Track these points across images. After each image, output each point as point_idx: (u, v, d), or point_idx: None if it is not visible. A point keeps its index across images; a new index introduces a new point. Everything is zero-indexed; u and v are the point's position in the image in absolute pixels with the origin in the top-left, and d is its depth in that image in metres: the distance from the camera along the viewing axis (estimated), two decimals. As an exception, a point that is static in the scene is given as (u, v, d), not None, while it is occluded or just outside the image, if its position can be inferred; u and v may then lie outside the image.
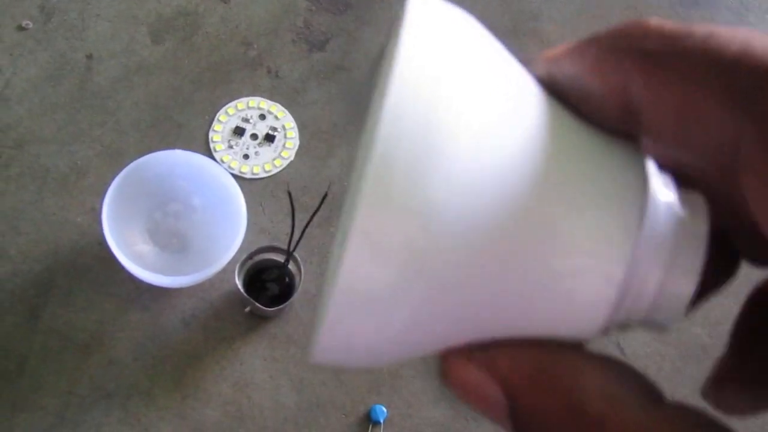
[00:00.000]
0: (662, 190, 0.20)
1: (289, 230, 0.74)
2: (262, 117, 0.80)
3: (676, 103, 0.19)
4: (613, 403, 0.18)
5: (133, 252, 0.69)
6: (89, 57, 0.82)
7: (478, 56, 0.19)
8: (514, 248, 0.18)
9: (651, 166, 0.20)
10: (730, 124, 0.18)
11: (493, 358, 0.20)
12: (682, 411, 0.18)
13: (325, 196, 0.65)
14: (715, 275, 0.22)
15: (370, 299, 0.18)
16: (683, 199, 0.20)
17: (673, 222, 0.19)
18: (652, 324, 0.20)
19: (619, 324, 0.20)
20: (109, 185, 0.68)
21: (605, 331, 0.20)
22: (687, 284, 0.19)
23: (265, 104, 0.81)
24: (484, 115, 0.18)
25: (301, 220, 0.69)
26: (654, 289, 0.19)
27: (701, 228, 0.19)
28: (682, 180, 0.20)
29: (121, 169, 0.69)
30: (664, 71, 0.19)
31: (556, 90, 0.20)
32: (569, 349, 0.19)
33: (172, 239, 0.73)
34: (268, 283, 0.73)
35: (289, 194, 0.64)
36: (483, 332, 0.20)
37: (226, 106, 0.81)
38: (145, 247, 0.72)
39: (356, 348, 0.19)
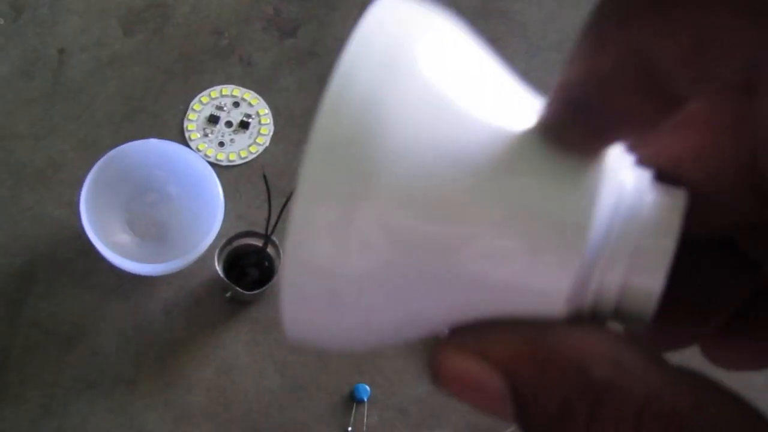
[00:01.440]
0: (628, 183, 0.19)
1: (267, 215, 0.74)
2: (236, 104, 0.81)
3: None
4: (618, 366, 0.18)
5: (112, 242, 0.70)
6: (61, 51, 0.82)
7: (442, 44, 0.20)
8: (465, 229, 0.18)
9: (626, 164, 0.20)
10: None
11: (487, 346, 0.20)
12: (686, 373, 0.18)
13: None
14: (729, 285, 0.22)
15: (317, 278, 0.18)
16: (663, 194, 0.19)
17: (636, 214, 0.19)
18: (627, 320, 0.20)
19: (590, 315, 0.20)
20: (86, 177, 0.69)
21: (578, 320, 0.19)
22: (652, 280, 0.19)
23: (239, 92, 0.81)
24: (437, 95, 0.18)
25: (278, 204, 0.70)
26: (617, 282, 0.19)
27: (673, 222, 0.19)
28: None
29: (96, 162, 0.69)
30: None
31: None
32: (563, 323, 0.19)
33: (150, 228, 0.74)
34: (247, 268, 0.73)
35: (265, 178, 0.65)
36: (449, 316, 0.21)
37: (200, 95, 0.81)
38: (124, 237, 0.73)
39: (319, 329, 0.20)
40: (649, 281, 0.19)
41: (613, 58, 0.17)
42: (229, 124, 0.80)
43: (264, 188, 0.77)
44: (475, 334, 0.20)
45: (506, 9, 0.89)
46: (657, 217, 0.19)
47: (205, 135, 0.79)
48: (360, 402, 0.72)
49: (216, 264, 0.70)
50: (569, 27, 0.89)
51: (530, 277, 0.19)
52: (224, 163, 0.78)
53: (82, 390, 0.70)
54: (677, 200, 0.19)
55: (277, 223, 0.68)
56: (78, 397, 0.70)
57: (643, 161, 0.20)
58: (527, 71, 0.84)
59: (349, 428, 0.71)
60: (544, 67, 0.87)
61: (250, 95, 0.81)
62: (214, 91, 0.81)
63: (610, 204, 0.19)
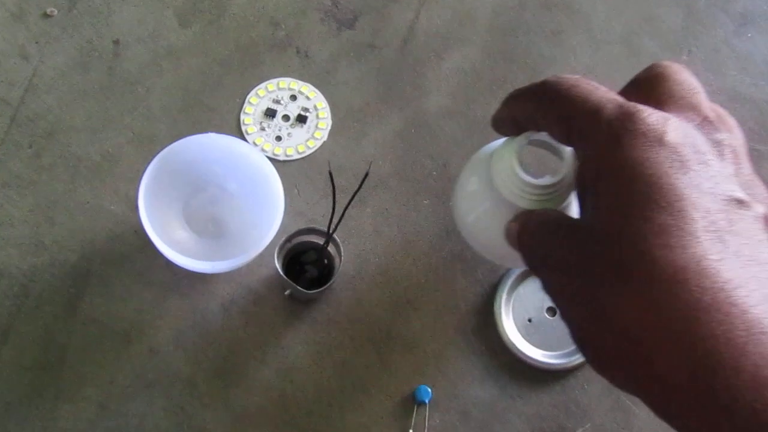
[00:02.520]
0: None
1: (325, 211, 0.73)
2: (293, 98, 0.79)
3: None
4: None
5: (170, 239, 0.68)
6: (116, 43, 0.81)
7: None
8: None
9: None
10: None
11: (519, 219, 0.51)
12: None
13: (366, 175, 0.63)
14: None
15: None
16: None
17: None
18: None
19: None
20: (142, 172, 0.67)
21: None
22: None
23: (296, 85, 0.80)
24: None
25: (336, 201, 0.68)
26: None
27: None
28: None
29: (153, 155, 0.68)
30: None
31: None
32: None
33: (208, 225, 0.72)
34: (307, 265, 0.72)
35: (330, 175, 0.63)
36: None
37: (257, 87, 0.79)
38: (182, 234, 0.71)
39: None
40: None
41: (506, 112, 0.52)
42: (286, 117, 0.78)
43: (322, 183, 0.76)
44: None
45: (570, 1, 0.86)
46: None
47: (262, 129, 0.78)
48: (421, 404, 0.70)
49: (276, 261, 0.69)
50: (634, 20, 0.86)
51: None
52: (281, 158, 0.77)
53: (139, 389, 0.69)
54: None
55: (340, 221, 0.67)
56: (135, 395, 0.69)
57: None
58: (591, 65, 0.82)
59: (410, 431, 0.69)
60: (608, 60, 0.84)
61: (307, 88, 0.80)
62: (271, 84, 0.80)
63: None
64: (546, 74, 0.82)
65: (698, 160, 0.41)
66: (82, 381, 0.69)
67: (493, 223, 0.68)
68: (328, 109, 0.79)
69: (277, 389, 0.70)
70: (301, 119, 0.78)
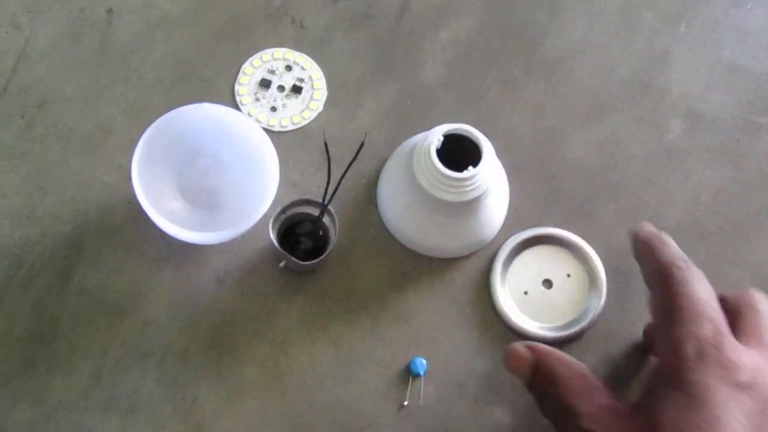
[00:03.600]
0: None
1: (320, 183, 0.72)
2: (288, 68, 0.78)
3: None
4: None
5: (164, 209, 0.68)
6: (109, 12, 0.80)
7: None
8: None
9: None
10: None
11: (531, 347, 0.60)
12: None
13: (362, 145, 0.63)
14: None
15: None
16: None
17: None
18: None
19: None
20: (136, 142, 0.67)
21: None
22: None
23: (291, 55, 0.79)
24: None
25: (333, 171, 0.68)
26: None
27: None
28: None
29: (146, 126, 0.67)
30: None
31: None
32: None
33: (202, 195, 0.72)
34: (301, 237, 0.71)
35: (326, 145, 0.62)
36: None
37: (251, 58, 0.79)
38: (176, 204, 0.71)
39: None
40: None
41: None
42: (281, 88, 0.78)
43: (317, 154, 0.75)
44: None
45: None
46: None
47: (257, 100, 0.77)
48: (416, 376, 0.70)
49: (270, 232, 0.68)
50: (632, -10, 0.86)
51: None
52: (276, 129, 0.76)
53: (133, 360, 0.69)
54: None
55: (335, 192, 0.66)
56: (129, 367, 0.69)
57: None
58: (589, 37, 0.81)
59: (405, 402, 0.69)
60: (606, 32, 0.84)
61: (302, 59, 0.79)
62: (266, 54, 0.79)
63: None
64: (543, 46, 0.81)
65: (763, 411, 0.49)
66: (75, 352, 0.69)
67: (414, 215, 0.70)
68: (323, 79, 0.78)
69: (271, 361, 0.70)
70: (296, 90, 0.78)
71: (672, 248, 0.59)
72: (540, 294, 0.73)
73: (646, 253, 0.60)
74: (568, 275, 0.73)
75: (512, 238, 0.74)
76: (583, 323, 0.71)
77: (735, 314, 0.56)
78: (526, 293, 0.73)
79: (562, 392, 0.56)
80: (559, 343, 0.71)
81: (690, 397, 0.49)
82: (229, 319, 0.70)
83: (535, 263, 0.73)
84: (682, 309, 0.53)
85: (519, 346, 0.60)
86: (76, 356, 0.68)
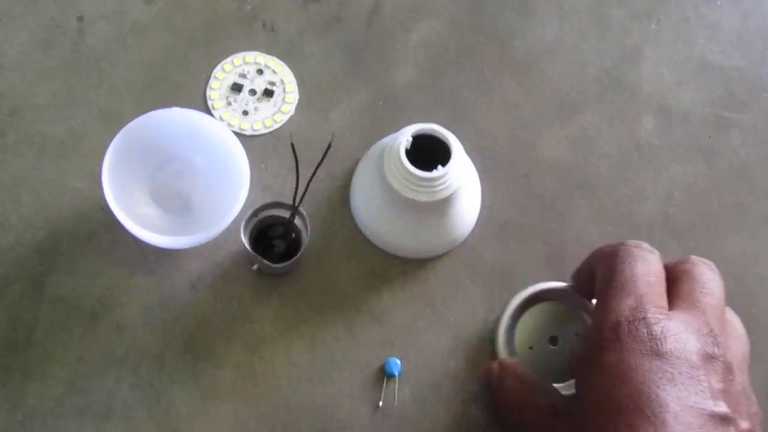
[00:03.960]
0: None
1: (292, 186, 0.72)
2: (260, 72, 0.79)
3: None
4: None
5: (136, 215, 0.68)
6: (80, 19, 0.80)
7: None
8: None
9: None
10: None
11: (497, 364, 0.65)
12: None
13: (329, 147, 0.63)
14: None
15: None
16: None
17: None
18: None
19: None
20: (108, 147, 0.67)
21: None
22: None
23: (262, 59, 0.79)
24: None
25: (305, 174, 0.68)
26: None
27: None
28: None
29: (118, 132, 0.67)
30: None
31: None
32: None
33: (174, 200, 0.72)
34: (274, 240, 0.71)
35: (293, 146, 0.63)
36: None
37: (223, 62, 0.79)
38: (148, 210, 0.71)
39: None
40: None
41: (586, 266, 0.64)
42: (252, 92, 0.78)
43: (290, 157, 0.75)
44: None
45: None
46: None
47: (229, 104, 0.77)
48: (391, 377, 0.70)
49: (242, 235, 0.68)
50: (602, -11, 0.86)
51: None
52: (248, 133, 0.76)
53: (107, 366, 0.69)
54: None
55: (304, 194, 0.66)
56: (103, 373, 0.69)
57: None
58: (560, 36, 0.81)
59: (380, 403, 0.69)
60: (577, 30, 0.84)
61: (274, 62, 0.79)
62: (237, 59, 0.79)
63: None
64: (514, 46, 0.81)
65: (689, 375, 0.47)
66: (50, 359, 0.69)
67: (387, 216, 0.71)
68: (295, 83, 0.79)
69: (246, 364, 0.70)
70: (268, 93, 0.78)
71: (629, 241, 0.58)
72: (546, 349, 0.69)
73: (601, 252, 0.59)
74: (577, 334, 0.68)
75: (519, 294, 0.70)
76: None
77: (672, 282, 0.55)
78: (531, 348, 0.69)
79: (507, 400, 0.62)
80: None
81: (610, 377, 0.48)
82: (203, 324, 0.70)
83: (548, 321, 0.69)
84: (611, 287, 0.53)
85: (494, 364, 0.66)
86: (51, 363, 0.69)
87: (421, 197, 0.67)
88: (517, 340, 0.69)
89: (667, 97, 0.82)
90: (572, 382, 0.65)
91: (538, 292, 0.70)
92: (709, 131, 0.81)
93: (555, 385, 0.65)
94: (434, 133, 0.67)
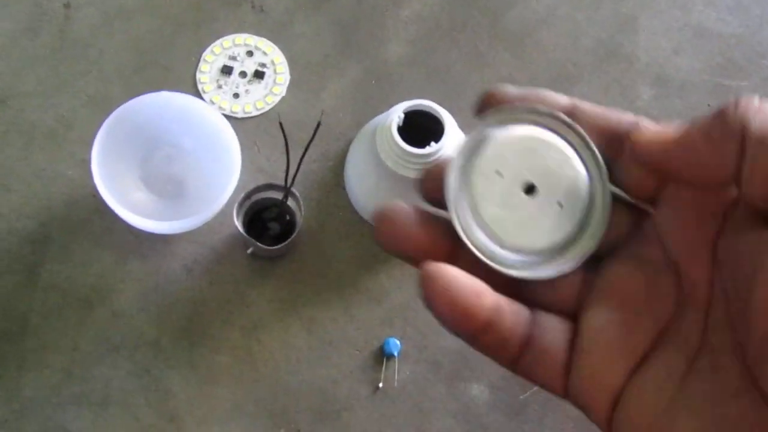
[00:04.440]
0: None
1: (285, 167, 0.72)
2: (250, 54, 0.78)
3: None
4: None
5: (127, 201, 0.67)
6: (66, 5, 0.79)
7: None
8: None
9: None
10: None
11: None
12: None
13: (318, 126, 0.62)
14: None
15: None
16: None
17: None
18: None
19: None
20: (96, 134, 0.66)
21: None
22: None
23: (252, 40, 0.78)
24: None
25: (296, 155, 0.67)
26: None
27: None
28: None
29: (107, 118, 0.67)
30: None
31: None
32: None
33: (166, 185, 0.71)
34: (269, 222, 0.71)
35: (281, 126, 0.62)
36: None
37: (212, 45, 0.78)
38: (140, 195, 0.70)
39: None
40: None
41: None
42: (243, 74, 0.77)
43: (282, 138, 0.74)
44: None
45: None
46: None
47: (219, 87, 0.76)
48: (390, 357, 0.69)
49: (235, 219, 0.68)
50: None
51: None
52: (240, 115, 0.75)
53: (103, 353, 0.68)
54: None
55: (296, 174, 0.65)
56: (100, 360, 0.68)
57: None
58: (553, 7, 0.79)
59: (380, 384, 0.69)
60: (571, 1, 0.83)
61: (264, 43, 0.78)
62: (227, 41, 0.78)
63: None
64: (507, 18, 0.80)
65: None
66: (46, 348, 0.68)
67: (382, 194, 0.70)
68: (285, 63, 0.78)
69: (243, 348, 0.69)
70: (259, 75, 0.77)
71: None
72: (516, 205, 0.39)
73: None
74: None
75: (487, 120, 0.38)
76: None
77: None
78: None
79: None
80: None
81: None
82: (199, 308, 0.70)
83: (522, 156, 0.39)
84: None
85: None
86: (47, 352, 0.68)
87: (416, 174, 0.66)
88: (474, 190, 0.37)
89: (664, 66, 0.81)
90: (550, 266, 0.33)
91: (517, 109, 0.36)
92: (707, 99, 0.79)
93: (520, 270, 0.33)
94: (427, 110, 0.66)
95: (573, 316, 0.30)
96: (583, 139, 0.32)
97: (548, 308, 0.30)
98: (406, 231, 0.30)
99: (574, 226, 0.32)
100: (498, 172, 0.33)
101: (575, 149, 0.32)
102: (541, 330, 0.29)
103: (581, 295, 0.30)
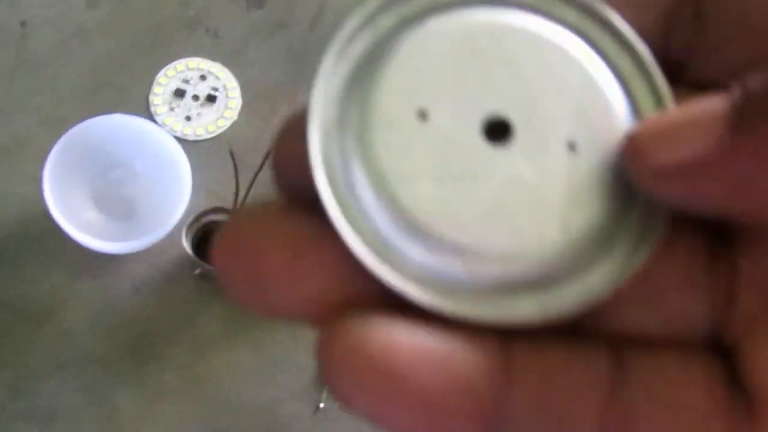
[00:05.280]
0: None
1: (235, 190, 0.73)
2: (203, 78, 0.80)
3: None
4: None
5: (79, 220, 0.69)
6: (23, 24, 0.80)
7: None
8: None
9: None
10: None
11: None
12: None
13: (267, 154, 0.64)
14: None
15: None
16: None
17: None
18: None
19: None
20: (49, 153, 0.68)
21: None
22: None
23: (206, 65, 0.80)
24: None
25: (246, 179, 0.69)
26: None
27: None
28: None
29: (60, 138, 0.68)
30: None
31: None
32: None
33: (117, 205, 0.73)
34: (217, 244, 0.72)
35: (231, 153, 0.64)
36: None
37: (166, 68, 0.79)
38: (91, 215, 0.71)
39: None
40: None
41: None
42: (195, 97, 0.79)
43: (233, 163, 0.76)
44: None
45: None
46: None
47: (171, 109, 0.78)
48: (333, 377, 0.71)
49: (183, 241, 0.69)
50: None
51: None
52: (191, 138, 0.77)
53: (52, 370, 0.70)
54: None
55: (245, 198, 0.67)
56: (48, 377, 0.69)
57: None
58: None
59: (321, 404, 0.71)
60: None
61: (216, 68, 0.80)
62: (180, 64, 0.80)
63: None
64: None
65: None
66: (-6, 364, 0.69)
67: None
68: (238, 88, 0.80)
69: (190, 367, 0.71)
70: (211, 99, 0.79)
71: None
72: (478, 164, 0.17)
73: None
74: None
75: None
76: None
77: None
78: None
79: None
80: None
81: None
82: (147, 327, 0.71)
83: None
84: None
85: None
86: (-5, 368, 0.69)
87: None
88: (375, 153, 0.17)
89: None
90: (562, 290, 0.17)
91: None
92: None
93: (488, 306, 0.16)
94: None
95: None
96: (614, 31, 0.17)
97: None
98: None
99: (609, 199, 0.16)
100: (422, 112, 0.16)
101: (599, 50, 0.17)
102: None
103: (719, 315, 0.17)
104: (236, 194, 0.67)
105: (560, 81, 0.16)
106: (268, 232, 0.16)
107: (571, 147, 0.16)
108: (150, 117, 0.77)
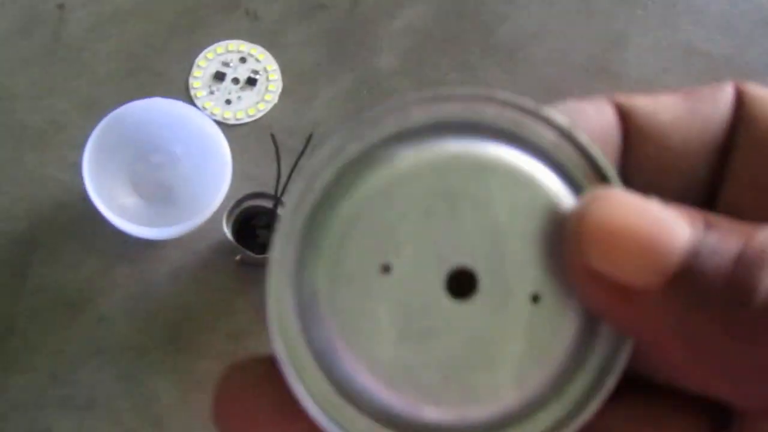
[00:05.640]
0: None
1: (276, 175, 0.72)
2: (243, 60, 0.78)
3: None
4: None
5: (117, 205, 0.67)
6: (60, 7, 0.79)
7: None
8: None
9: None
10: None
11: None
12: None
13: (310, 137, 0.63)
14: None
15: None
16: None
17: None
18: None
19: None
20: (88, 138, 0.66)
21: None
22: None
23: (245, 47, 0.79)
24: None
25: (287, 163, 0.67)
26: None
27: None
28: None
29: (99, 121, 0.67)
30: None
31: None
32: None
33: (156, 190, 0.71)
34: (257, 230, 0.71)
35: (273, 137, 0.62)
36: None
37: (205, 50, 0.78)
38: (130, 200, 0.70)
39: None
40: None
41: None
42: (235, 81, 0.77)
43: (273, 146, 0.75)
44: None
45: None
46: None
47: (211, 92, 0.77)
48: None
49: (224, 226, 0.68)
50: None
51: None
52: (231, 122, 0.76)
53: (89, 357, 0.69)
54: None
55: (287, 183, 0.66)
56: (86, 364, 0.68)
57: None
58: (545, 22, 0.80)
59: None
60: (562, 16, 0.84)
61: (257, 50, 0.78)
62: (220, 47, 0.78)
63: None
64: (499, 32, 0.81)
65: None
66: (32, 351, 0.68)
67: None
68: (278, 71, 0.78)
69: (228, 354, 0.69)
70: (251, 82, 0.77)
71: None
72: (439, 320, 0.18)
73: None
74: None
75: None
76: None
77: None
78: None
79: None
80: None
81: None
82: (185, 314, 0.70)
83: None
84: None
85: None
86: (33, 354, 0.68)
87: None
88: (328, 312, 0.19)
89: (653, 83, 0.81)
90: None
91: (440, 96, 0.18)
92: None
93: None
94: None
95: None
96: (584, 154, 0.17)
97: None
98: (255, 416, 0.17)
99: (569, 348, 0.16)
100: (385, 266, 0.16)
101: (567, 178, 0.17)
102: None
103: None
104: (278, 179, 0.65)
105: (531, 225, 0.16)
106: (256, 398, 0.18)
107: (535, 299, 0.16)
108: (189, 101, 0.76)
